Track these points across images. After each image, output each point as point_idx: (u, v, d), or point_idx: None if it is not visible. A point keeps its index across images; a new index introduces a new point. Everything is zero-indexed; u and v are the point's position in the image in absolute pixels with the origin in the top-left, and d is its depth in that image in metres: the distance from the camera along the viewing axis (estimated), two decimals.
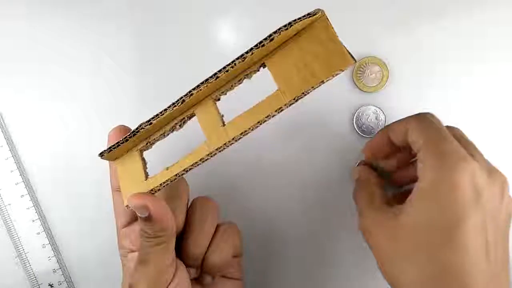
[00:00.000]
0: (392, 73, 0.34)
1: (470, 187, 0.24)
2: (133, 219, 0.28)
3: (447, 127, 0.28)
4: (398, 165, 0.31)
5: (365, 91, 0.35)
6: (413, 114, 0.28)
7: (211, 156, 0.23)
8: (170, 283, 0.25)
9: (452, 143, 0.26)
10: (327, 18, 0.22)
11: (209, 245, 0.28)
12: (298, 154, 0.35)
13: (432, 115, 0.28)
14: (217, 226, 0.29)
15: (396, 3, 0.34)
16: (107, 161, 0.27)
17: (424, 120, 0.28)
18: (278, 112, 0.22)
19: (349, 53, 0.22)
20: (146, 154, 0.26)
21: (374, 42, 0.34)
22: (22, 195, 0.35)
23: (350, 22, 0.34)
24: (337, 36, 0.22)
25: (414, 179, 0.26)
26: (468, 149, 0.26)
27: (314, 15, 0.21)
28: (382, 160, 0.32)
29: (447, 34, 0.34)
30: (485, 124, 0.34)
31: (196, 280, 0.29)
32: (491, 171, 0.26)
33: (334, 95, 0.34)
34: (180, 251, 0.28)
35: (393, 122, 0.29)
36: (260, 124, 0.23)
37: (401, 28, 0.34)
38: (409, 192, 0.26)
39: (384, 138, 0.30)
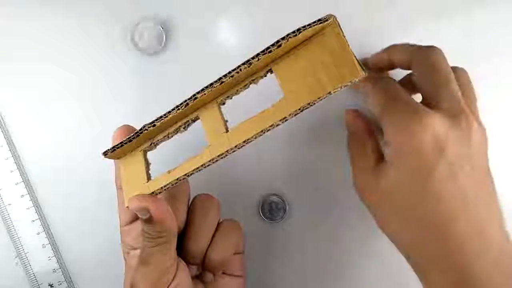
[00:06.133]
0: (391, 73, 0.34)
1: (431, 140, 0.25)
2: (136, 217, 0.28)
3: (453, 68, 0.28)
4: None
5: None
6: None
7: (213, 162, 0.23)
8: (170, 283, 0.26)
9: (403, 101, 0.26)
10: (339, 25, 0.21)
11: (210, 242, 0.28)
12: (295, 151, 0.35)
13: (388, 79, 0.29)
14: (218, 224, 0.29)
15: (396, 2, 0.34)
16: (108, 161, 0.27)
17: (381, 82, 0.29)
18: (283, 122, 0.22)
19: (360, 64, 0.21)
20: (149, 154, 0.26)
21: (374, 42, 0.34)
22: (22, 195, 0.34)
23: (350, 22, 0.34)
24: (348, 45, 0.21)
25: None
26: (465, 98, 0.27)
27: (325, 21, 0.21)
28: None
29: (447, 33, 0.34)
30: (485, 123, 0.34)
31: (197, 277, 0.29)
32: (455, 116, 0.26)
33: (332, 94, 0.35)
34: (181, 248, 0.28)
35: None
36: (264, 133, 0.22)
37: (401, 28, 0.34)
38: None
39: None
